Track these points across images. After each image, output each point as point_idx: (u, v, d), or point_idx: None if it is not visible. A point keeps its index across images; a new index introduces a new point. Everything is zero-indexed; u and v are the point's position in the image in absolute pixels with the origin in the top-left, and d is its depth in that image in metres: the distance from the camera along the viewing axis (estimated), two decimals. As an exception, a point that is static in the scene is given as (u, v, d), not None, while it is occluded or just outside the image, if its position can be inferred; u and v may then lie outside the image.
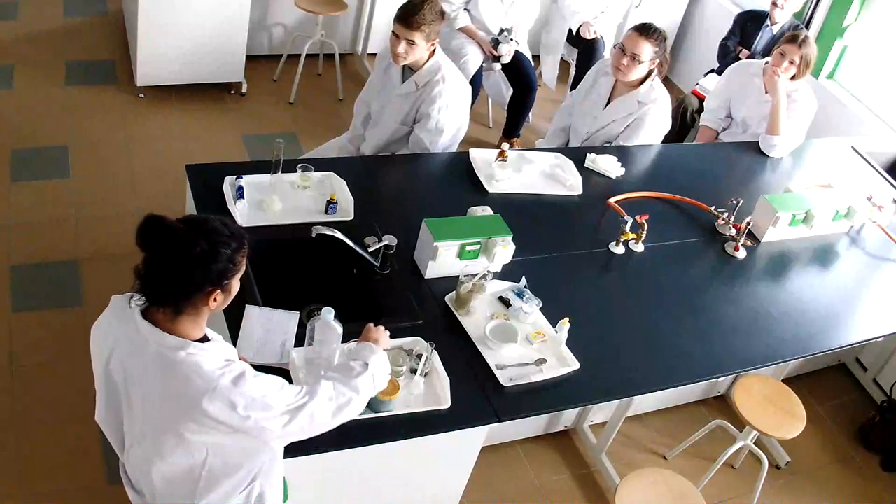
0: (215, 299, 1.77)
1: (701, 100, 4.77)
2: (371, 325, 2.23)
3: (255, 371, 1.84)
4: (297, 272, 2.76)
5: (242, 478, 1.93)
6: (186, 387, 1.73)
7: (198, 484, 1.89)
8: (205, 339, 1.83)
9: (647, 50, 3.53)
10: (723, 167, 3.84)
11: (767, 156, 3.92)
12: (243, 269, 1.82)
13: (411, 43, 3.18)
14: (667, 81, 4.10)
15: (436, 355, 2.38)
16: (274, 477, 2.01)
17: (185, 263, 1.70)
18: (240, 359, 1.94)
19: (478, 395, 2.36)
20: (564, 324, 2.56)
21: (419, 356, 2.34)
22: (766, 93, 3.98)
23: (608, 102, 3.74)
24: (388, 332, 2.23)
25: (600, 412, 3.44)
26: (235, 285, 1.83)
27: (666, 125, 3.77)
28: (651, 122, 3.68)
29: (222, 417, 1.74)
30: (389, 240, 2.66)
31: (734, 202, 3.27)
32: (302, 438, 1.92)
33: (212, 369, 1.74)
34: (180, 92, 4.88)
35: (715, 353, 2.75)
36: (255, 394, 1.76)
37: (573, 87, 5.12)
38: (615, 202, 3.26)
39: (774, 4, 4.85)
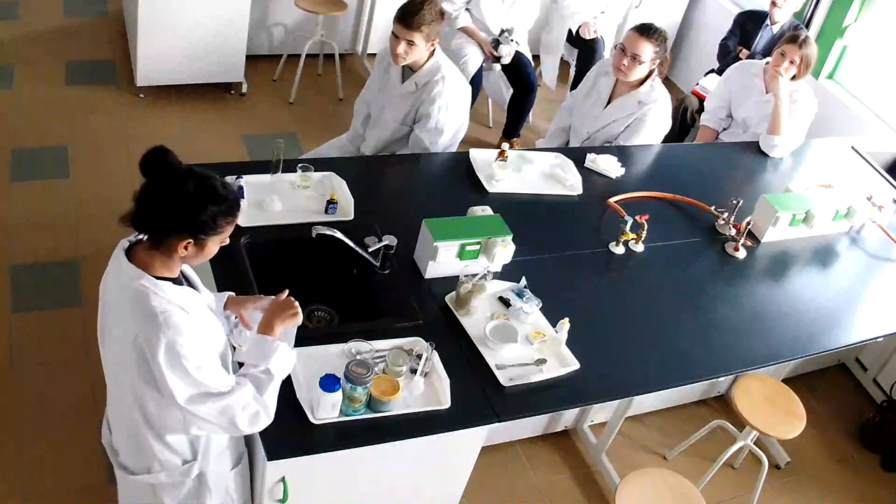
0: (186, 247, 1.80)
1: (701, 100, 4.77)
2: (275, 299, 2.10)
3: (206, 344, 1.86)
4: (297, 272, 2.76)
5: (175, 448, 1.98)
6: (131, 315, 1.79)
7: (137, 433, 1.95)
8: (178, 283, 1.87)
9: (647, 50, 3.53)
10: (723, 167, 3.84)
11: (767, 156, 3.92)
12: (225, 235, 1.86)
13: (411, 43, 3.18)
14: (667, 81, 4.10)
15: (436, 355, 2.38)
16: (221, 457, 2.07)
17: (167, 198, 1.76)
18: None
19: (478, 395, 2.36)
20: (564, 324, 2.56)
21: (419, 356, 2.34)
22: (767, 93, 3.98)
23: (609, 102, 3.74)
24: (290, 305, 2.06)
25: (600, 412, 3.45)
26: (212, 247, 1.86)
27: (666, 125, 3.77)
28: (651, 123, 3.68)
29: (146, 351, 1.77)
30: (389, 240, 2.66)
31: (734, 202, 3.27)
32: (210, 429, 1.91)
33: (155, 305, 1.78)
34: (180, 92, 4.88)
35: (715, 353, 2.75)
36: (178, 347, 1.77)
37: (573, 87, 5.13)
38: (615, 202, 3.26)
39: (774, 4, 4.85)
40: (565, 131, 4.01)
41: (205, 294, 2.03)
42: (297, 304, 2.08)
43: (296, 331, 2.24)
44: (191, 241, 1.79)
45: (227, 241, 1.90)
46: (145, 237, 1.83)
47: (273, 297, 2.13)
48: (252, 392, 1.90)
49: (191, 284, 1.99)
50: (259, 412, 1.91)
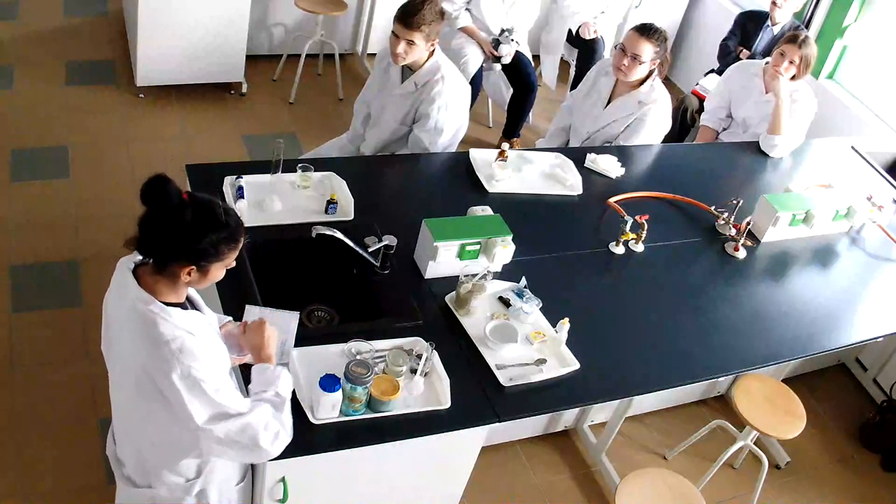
0: (189, 274, 1.81)
1: (701, 100, 4.77)
2: (250, 326, 2.10)
3: (219, 366, 1.86)
4: (297, 272, 2.76)
5: (180, 468, 1.98)
6: (139, 340, 1.79)
7: (141, 449, 1.95)
8: (184, 307, 1.87)
9: (647, 50, 3.53)
10: (723, 167, 3.84)
11: (767, 156, 3.92)
12: (229, 261, 1.86)
13: (411, 43, 3.18)
14: (667, 81, 4.10)
15: (436, 355, 2.38)
16: (223, 476, 2.06)
17: (166, 227, 1.76)
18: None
19: (478, 395, 2.36)
20: (564, 324, 2.56)
21: (419, 356, 2.34)
22: (767, 93, 3.98)
23: (609, 102, 3.74)
24: (261, 326, 2.07)
25: (600, 412, 3.45)
26: (216, 273, 1.86)
27: (666, 125, 3.77)
28: (651, 123, 3.68)
29: (158, 380, 1.77)
30: (389, 240, 2.66)
31: (734, 202, 3.27)
32: (230, 453, 1.88)
33: (165, 331, 1.78)
34: (180, 92, 4.88)
35: (715, 353, 2.75)
36: (195, 372, 1.77)
37: (573, 87, 5.13)
38: (615, 202, 3.26)
39: (774, 4, 4.85)
40: (565, 131, 4.01)
41: (208, 315, 2.02)
42: (264, 322, 2.08)
43: (296, 329, 2.25)
44: (193, 267, 1.80)
45: (234, 264, 1.89)
46: (150, 261, 1.83)
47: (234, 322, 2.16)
48: (271, 411, 1.91)
49: (194, 306, 1.98)
50: (280, 431, 1.91)
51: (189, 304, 1.95)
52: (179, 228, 1.76)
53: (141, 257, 1.85)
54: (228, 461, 2.05)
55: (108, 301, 1.94)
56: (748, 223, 3.21)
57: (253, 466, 2.21)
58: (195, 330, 1.84)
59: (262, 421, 1.88)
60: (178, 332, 1.79)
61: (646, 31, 3.54)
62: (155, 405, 1.82)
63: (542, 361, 2.50)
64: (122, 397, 1.93)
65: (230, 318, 2.23)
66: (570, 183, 3.35)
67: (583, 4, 5.15)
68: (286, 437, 1.93)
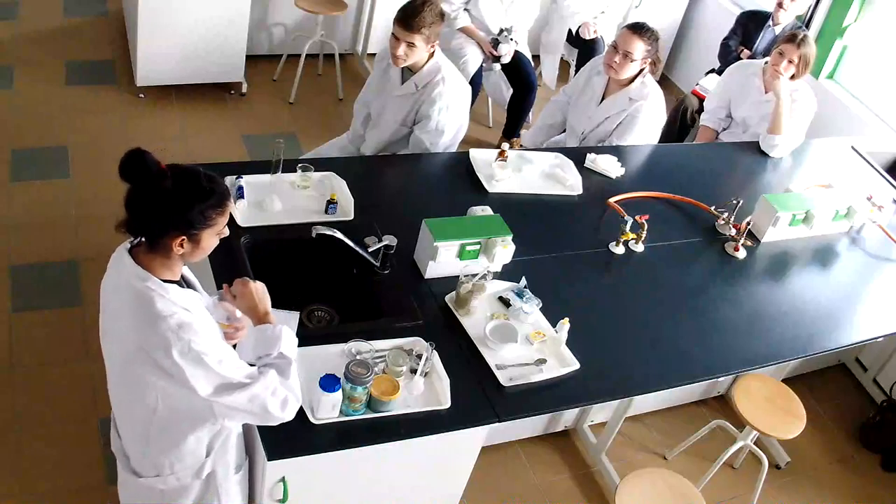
0: (181, 245, 1.81)
1: (701, 100, 4.77)
2: (237, 290, 2.07)
3: (218, 339, 1.87)
4: (297, 272, 2.76)
5: (191, 448, 1.97)
6: (136, 318, 1.79)
7: (148, 436, 1.94)
8: (180, 285, 1.88)
9: (639, 48, 3.53)
10: (723, 167, 3.84)
11: (767, 156, 3.92)
12: (219, 227, 1.86)
13: (411, 45, 3.18)
14: (667, 81, 4.10)
15: (436, 355, 2.38)
16: (228, 457, 2.06)
17: (150, 200, 1.77)
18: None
19: (478, 395, 2.36)
20: (564, 324, 2.56)
21: (419, 356, 2.34)
22: (766, 92, 3.98)
23: (602, 101, 3.75)
24: (255, 288, 2.05)
25: (600, 412, 3.45)
26: (208, 241, 1.86)
27: (660, 122, 3.77)
28: (644, 119, 3.69)
29: (157, 357, 1.77)
30: (389, 240, 2.66)
31: (734, 202, 3.27)
32: (242, 419, 1.91)
33: (162, 308, 1.78)
34: (180, 92, 4.88)
35: (715, 353, 2.75)
36: (195, 346, 1.78)
37: (573, 87, 5.13)
38: (615, 202, 3.26)
39: (780, 6, 4.85)
40: (553, 127, 4.03)
41: (204, 296, 2.04)
42: (247, 280, 2.06)
43: (296, 329, 2.25)
44: (184, 237, 1.80)
45: (227, 232, 1.90)
46: (143, 240, 1.84)
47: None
48: (277, 378, 1.92)
49: (190, 286, 1.99)
50: (288, 397, 1.92)
51: (185, 283, 1.96)
52: (163, 198, 1.76)
53: (135, 241, 1.86)
54: (234, 445, 2.07)
55: (105, 284, 1.94)
56: (748, 223, 3.21)
57: (251, 463, 2.21)
58: (191, 307, 1.85)
59: (269, 388, 1.88)
60: (175, 308, 1.80)
61: (638, 28, 3.55)
62: (160, 382, 1.81)
63: (542, 361, 2.50)
64: (124, 382, 1.92)
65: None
66: (570, 183, 3.35)
67: (583, 4, 5.15)
68: (295, 401, 1.94)
